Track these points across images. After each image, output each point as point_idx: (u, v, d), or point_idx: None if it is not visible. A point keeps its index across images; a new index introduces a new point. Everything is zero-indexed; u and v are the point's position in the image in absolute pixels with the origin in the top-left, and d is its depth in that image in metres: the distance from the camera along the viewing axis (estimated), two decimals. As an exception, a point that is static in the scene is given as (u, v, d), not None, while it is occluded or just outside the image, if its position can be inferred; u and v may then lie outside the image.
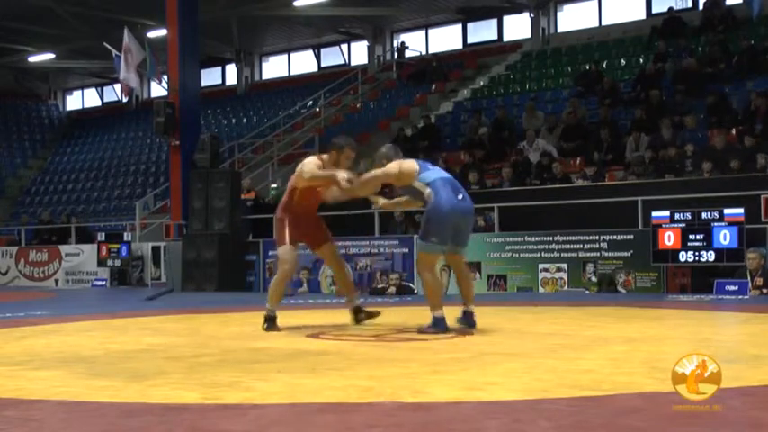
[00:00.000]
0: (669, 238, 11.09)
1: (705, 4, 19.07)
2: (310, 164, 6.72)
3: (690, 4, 21.13)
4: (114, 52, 18.19)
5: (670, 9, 19.83)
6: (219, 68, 30.19)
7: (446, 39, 25.45)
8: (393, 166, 6.57)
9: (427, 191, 6.42)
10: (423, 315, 7.21)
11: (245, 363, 4.94)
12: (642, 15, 21.71)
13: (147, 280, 16.77)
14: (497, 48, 23.84)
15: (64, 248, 18.25)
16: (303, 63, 28.69)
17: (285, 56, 29.13)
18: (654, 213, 11.34)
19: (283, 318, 7.10)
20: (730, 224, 10.78)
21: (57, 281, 18.07)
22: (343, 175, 6.42)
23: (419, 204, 6.80)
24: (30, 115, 32.34)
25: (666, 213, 11.22)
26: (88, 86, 33.96)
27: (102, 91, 33.75)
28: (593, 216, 12.42)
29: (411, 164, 6.61)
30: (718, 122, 14.35)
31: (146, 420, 3.35)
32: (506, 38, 24.23)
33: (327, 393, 3.84)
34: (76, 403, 3.71)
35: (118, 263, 16.88)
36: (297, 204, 6.86)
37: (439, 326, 6.39)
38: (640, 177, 13.19)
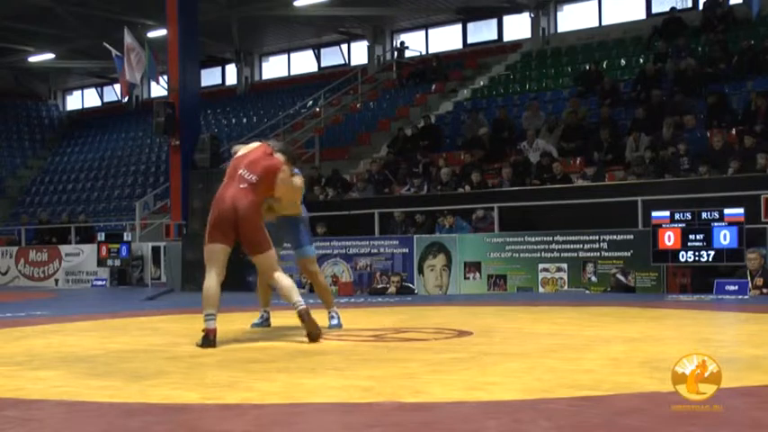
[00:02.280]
0: (669, 238, 11.08)
1: (705, 4, 19.06)
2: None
3: (690, 4, 21.11)
4: (114, 52, 18.19)
5: (672, 9, 19.81)
6: (219, 68, 30.17)
7: (446, 39, 25.42)
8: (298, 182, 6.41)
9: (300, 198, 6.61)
10: (423, 314, 7.23)
11: (245, 363, 4.93)
12: (642, 15, 21.69)
13: (147, 280, 16.77)
14: (497, 48, 23.81)
15: (64, 248, 18.25)
16: (303, 63, 28.67)
17: (285, 56, 29.10)
18: (654, 213, 11.33)
19: (284, 318, 7.09)
20: (730, 224, 10.76)
21: (57, 281, 18.06)
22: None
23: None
24: (30, 115, 32.33)
25: (666, 213, 11.21)
26: (88, 86, 33.94)
27: (102, 91, 33.73)
28: (593, 216, 12.41)
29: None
30: (718, 122, 14.36)
31: (146, 420, 3.35)
32: (506, 38, 24.20)
33: (327, 393, 3.84)
34: (76, 403, 3.71)
35: (118, 263, 16.88)
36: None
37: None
38: (640, 177, 13.18)
